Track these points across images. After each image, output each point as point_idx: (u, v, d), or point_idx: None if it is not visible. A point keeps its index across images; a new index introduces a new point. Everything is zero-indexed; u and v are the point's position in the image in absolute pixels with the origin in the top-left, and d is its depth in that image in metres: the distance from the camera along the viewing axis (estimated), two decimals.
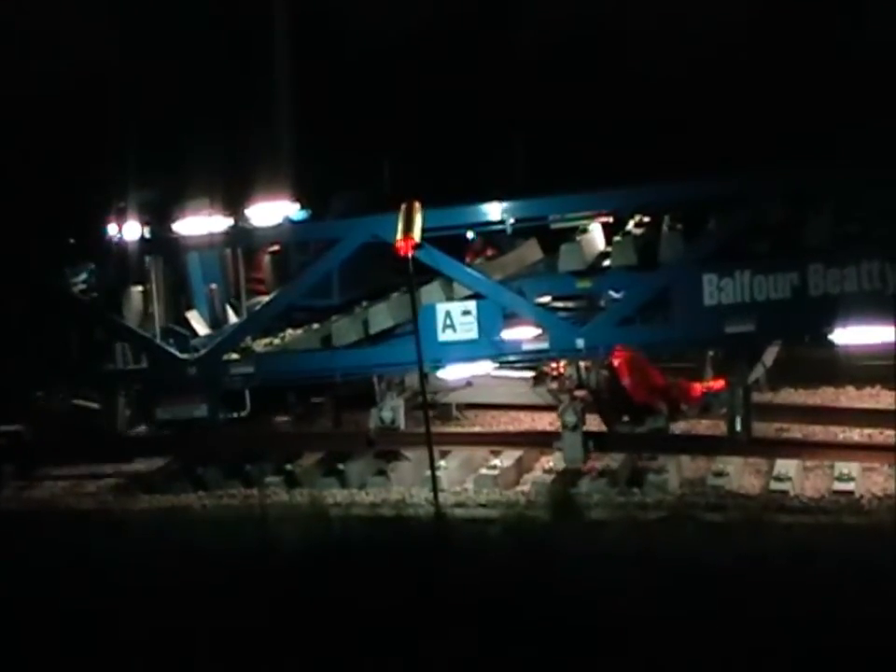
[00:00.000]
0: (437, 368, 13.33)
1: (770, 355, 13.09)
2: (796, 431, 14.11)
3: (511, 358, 13.24)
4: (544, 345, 12.94)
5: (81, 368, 14.33)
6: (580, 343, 12.78)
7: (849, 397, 15.25)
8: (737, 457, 13.19)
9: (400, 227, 12.23)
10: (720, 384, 13.00)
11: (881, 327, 11.80)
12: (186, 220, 14.88)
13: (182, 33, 18.99)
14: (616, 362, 13.36)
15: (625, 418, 13.54)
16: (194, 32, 19.04)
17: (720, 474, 12.73)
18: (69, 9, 18.67)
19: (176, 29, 19.02)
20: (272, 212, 15.26)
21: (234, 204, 15.23)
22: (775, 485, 12.33)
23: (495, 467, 13.58)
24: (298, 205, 15.70)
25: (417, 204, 12.36)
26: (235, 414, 13.69)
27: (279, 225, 15.00)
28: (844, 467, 12.53)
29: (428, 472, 12.21)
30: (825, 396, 15.37)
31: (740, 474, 13.00)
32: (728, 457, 13.12)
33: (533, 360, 13.33)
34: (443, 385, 14.11)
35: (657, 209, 13.32)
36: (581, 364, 13.38)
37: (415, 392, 14.24)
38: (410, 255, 12.20)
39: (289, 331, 14.33)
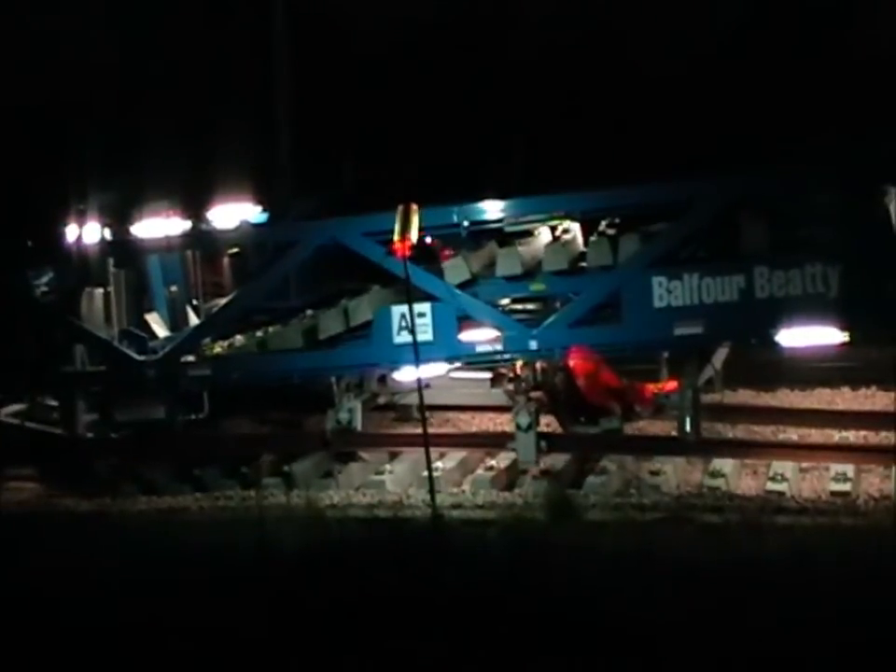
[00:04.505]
0: (394, 369, 13.45)
1: (720, 356, 13.23)
2: (792, 433, 14.10)
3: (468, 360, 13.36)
4: (498, 347, 13.05)
5: (40, 370, 14.39)
6: (533, 344, 12.89)
7: (845, 398, 15.20)
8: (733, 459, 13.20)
9: (397, 228, 12.11)
10: (671, 385, 13.13)
11: (824, 328, 11.97)
12: (145, 223, 14.94)
13: (142, 34, 19.04)
14: (571, 363, 13.50)
15: (581, 419, 13.68)
16: (154, 33, 19.10)
17: (715, 474, 12.78)
18: (26, 11, 18.71)
19: (137, 31, 19.06)
20: (231, 214, 15.32)
21: (194, 207, 15.29)
22: (771, 486, 12.40)
23: (491, 468, 13.58)
24: (259, 208, 15.78)
25: (415, 206, 12.18)
26: (193, 416, 13.79)
27: (238, 227, 15.07)
28: (840, 468, 12.60)
29: (424, 473, 12.26)
30: (821, 397, 15.30)
31: (737, 476, 13.05)
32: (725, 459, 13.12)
33: (489, 362, 13.43)
34: (402, 387, 14.18)
35: (604, 214, 13.44)
36: (538, 365, 13.50)
37: (373, 394, 14.39)
38: (407, 257, 12.18)
39: (259, 333, 14.39)
